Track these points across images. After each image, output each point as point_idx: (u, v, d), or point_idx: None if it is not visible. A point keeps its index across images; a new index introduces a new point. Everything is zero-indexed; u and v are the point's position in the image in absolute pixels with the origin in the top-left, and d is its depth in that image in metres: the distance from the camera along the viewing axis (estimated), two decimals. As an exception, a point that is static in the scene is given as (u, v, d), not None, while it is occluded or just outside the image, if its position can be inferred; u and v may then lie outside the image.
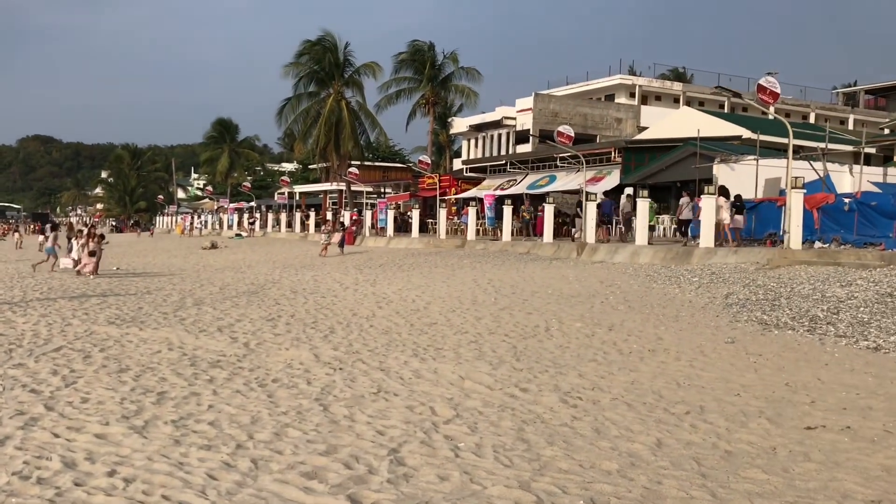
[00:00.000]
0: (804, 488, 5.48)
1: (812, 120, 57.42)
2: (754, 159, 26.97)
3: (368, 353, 10.57)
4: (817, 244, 21.02)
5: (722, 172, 27.89)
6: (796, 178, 19.56)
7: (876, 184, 26.78)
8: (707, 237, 22.19)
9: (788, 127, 20.34)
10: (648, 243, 24.71)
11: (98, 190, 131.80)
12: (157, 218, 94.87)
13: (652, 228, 28.58)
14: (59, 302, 16.01)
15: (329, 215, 47.14)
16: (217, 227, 70.47)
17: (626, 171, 33.50)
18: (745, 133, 37.47)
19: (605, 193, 32.49)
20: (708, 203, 22.42)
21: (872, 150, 34.52)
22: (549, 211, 30.57)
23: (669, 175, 31.28)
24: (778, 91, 18.94)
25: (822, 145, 28.44)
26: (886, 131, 42.82)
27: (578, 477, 5.66)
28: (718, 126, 39.60)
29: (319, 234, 44.52)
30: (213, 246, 43.55)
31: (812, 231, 21.42)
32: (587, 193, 28.31)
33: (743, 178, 27.20)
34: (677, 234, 27.69)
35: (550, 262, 24.86)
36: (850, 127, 57.71)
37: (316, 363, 9.81)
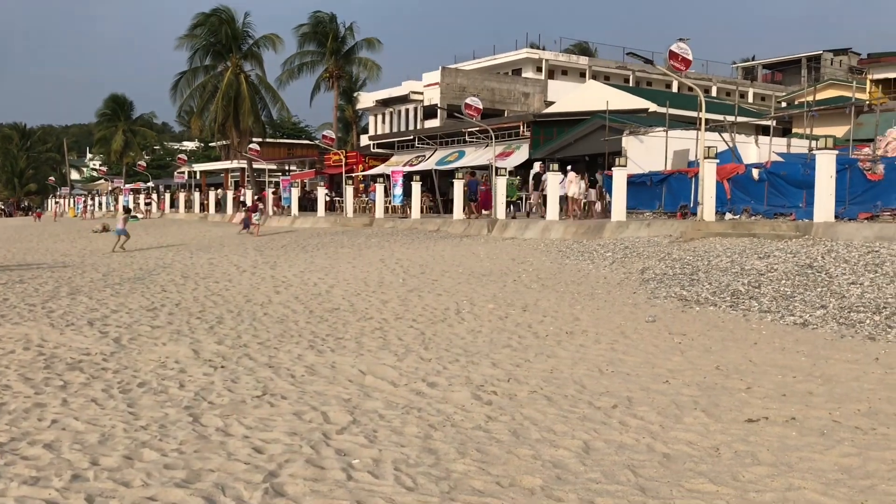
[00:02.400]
0: (760, 502, 4.66)
1: (714, 93, 58.23)
2: (663, 131, 26.65)
3: (258, 347, 9.39)
4: (728, 215, 20.74)
5: (631, 145, 27.49)
6: (709, 147, 19.13)
7: (780, 154, 26.84)
8: (553, 210, 24.04)
9: (701, 96, 19.95)
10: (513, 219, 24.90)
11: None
12: (49, 201, 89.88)
13: (513, 204, 29.37)
14: None
15: (248, 194, 44.82)
16: (112, 209, 67.01)
17: (535, 146, 32.88)
18: (652, 106, 37.44)
19: (516, 168, 31.81)
20: (553, 177, 24.66)
21: (773, 123, 35.01)
22: (458, 186, 29.66)
23: (578, 148, 30.79)
24: (690, 58, 18.40)
25: (728, 118, 28.36)
26: (784, 104, 43.55)
27: (496, 500, 4.69)
28: (625, 99, 39.47)
29: (237, 214, 42.61)
30: (105, 229, 40.88)
31: (723, 202, 21.12)
32: (497, 168, 27.51)
33: (652, 150, 26.86)
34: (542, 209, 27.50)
35: (461, 239, 23.96)
36: (750, 100, 58.84)
37: (194, 361, 8.58)
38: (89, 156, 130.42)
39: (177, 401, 6.93)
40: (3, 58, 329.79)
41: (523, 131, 33.83)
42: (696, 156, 25.62)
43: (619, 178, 22.00)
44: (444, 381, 7.64)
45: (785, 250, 14.44)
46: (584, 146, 30.31)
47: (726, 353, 8.59)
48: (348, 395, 7.19)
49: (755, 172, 21.44)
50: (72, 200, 74.34)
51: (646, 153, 26.95)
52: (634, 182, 23.79)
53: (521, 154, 33.17)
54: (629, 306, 11.73)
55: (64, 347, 9.30)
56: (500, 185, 26.80)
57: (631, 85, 55.04)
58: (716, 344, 9.08)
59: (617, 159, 22.65)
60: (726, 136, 26.02)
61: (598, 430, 6.06)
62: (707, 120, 20.36)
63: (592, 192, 26.62)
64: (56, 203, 78.68)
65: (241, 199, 45.57)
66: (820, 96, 36.02)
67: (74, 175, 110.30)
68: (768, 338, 9.30)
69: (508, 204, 28.69)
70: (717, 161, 19.70)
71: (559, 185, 25.71)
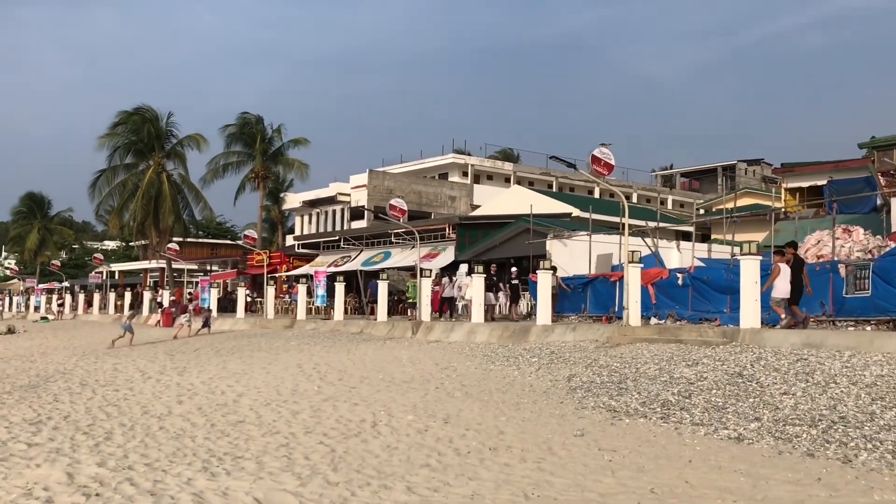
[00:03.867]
0: None
1: (635, 199, 59.66)
2: (587, 235, 26.72)
3: (144, 469, 8.35)
4: (653, 320, 20.53)
5: (555, 248, 27.49)
6: (632, 252, 19.01)
7: (702, 259, 27.09)
8: (477, 314, 23.81)
9: (624, 201, 19.94)
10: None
11: None
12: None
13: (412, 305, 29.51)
14: None
15: (165, 295, 43.10)
16: (22, 309, 63.93)
17: (460, 248, 32.69)
18: (575, 211, 37.88)
19: (441, 269, 31.40)
20: (425, 283, 25.90)
21: (692, 229, 35.74)
22: (382, 288, 29.01)
23: (503, 251, 30.68)
24: (612, 163, 18.44)
25: (650, 223, 28.69)
26: (702, 211, 44.70)
27: None
28: (549, 204, 39.95)
29: (152, 316, 40.74)
30: (10, 331, 38.80)
31: (648, 307, 20.94)
32: (422, 269, 27.02)
33: (576, 253, 26.88)
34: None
35: (384, 342, 23.12)
36: (669, 207, 60.43)
37: (66, 487, 7.50)
38: (4, 254, 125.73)
39: (31, 541, 5.89)
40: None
41: (449, 233, 33.64)
42: (619, 260, 25.68)
43: (544, 281, 21.70)
44: (352, 510, 6.77)
45: (713, 357, 14.09)
46: (509, 249, 30.22)
47: (660, 473, 7.95)
48: (239, 529, 6.26)
49: (679, 277, 21.42)
50: (-21, 301, 70.81)
51: (570, 257, 26.94)
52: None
53: (447, 256, 32.86)
54: (556, 418, 11.06)
55: (-85, 472, 8.11)
56: (426, 286, 26.27)
57: (554, 190, 56.05)
58: (649, 462, 8.44)
59: (541, 262, 22.41)
60: (649, 240, 26.19)
61: (522, 572, 5.29)
62: (630, 224, 20.38)
63: (490, 295, 26.56)
64: None
65: (158, 300, 43.92)
66: (736, 204, 37.02)
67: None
68: (703, 454, 8.71)
69: (409, 305, 29.28)
70: (642, 265, 19.58)
71: (452, 286, 27.25)
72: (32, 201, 77.72)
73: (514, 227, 30.21)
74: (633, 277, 18.69)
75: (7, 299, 68.95)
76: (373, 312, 30.67)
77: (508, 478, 7.92)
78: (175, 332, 30.44)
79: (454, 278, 28.80)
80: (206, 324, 31.54)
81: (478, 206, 50.12)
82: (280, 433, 10.48)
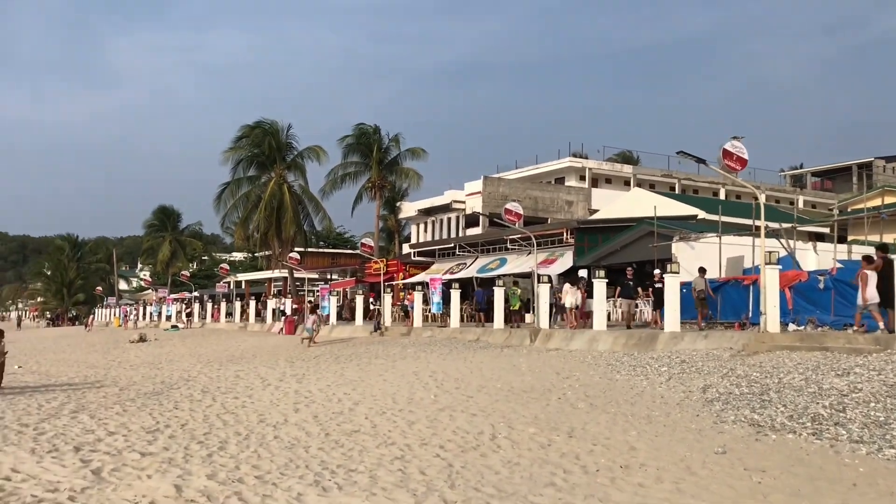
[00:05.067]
0: None
1: (763, 201, 56.71)
2: (716, 236, 25.25)
3: (254, 482, 7.99)
4: (792, 326, 19.01)
5: (681, 251, 26.10)
6: (770, 252, 17.64)
7: (841, 261, 25.15)
8: (599, 321, 22.86)
9: (761, 197, 18.57)
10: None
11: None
12: (97, 310, 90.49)
13: (516, 314, 29.62)
14: None
15: (287, 304, 44.00)
16: (155, 318, 66.87)
17: (579, 253, 31.68)
18: (701, 213, 36.12)
19: (559, 276, 30.50)
20: (543, 289, 25.02)
21: (826, 231, 33.46)
22: (498, 294, 28.39)
23: (624, 256, 29.44)
24: (745, 156, 17.13)
25: (783, 224, 26.89)
26: (836, 212, 41.99)
27: None
28: (672, 206, 38.20)
29: (275, 324, 41.62)
30: (142, 339, 40.36)
31: (785, 312, 19.43)
32: (539, 276, 26.22)
33: (703, 256, 25.38)
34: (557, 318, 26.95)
35: (502, 350, 22.47)
36: (801, 207, 57.19)
37: (173, 502, 7.20)
38: (139, 266, 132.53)
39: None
40: (65, 174, 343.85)
41: (567, 238, 32.69)
42: (752, 262, 24.11)
43: (672, 285, 20.51)
44: (471, 534, 6.14)
45: (867, 367, 12.72)
46: (631, 253, 28.98)
47: (821, 499, 6.95)
48: (348, 552, 5.73)
49: (820, 280, 19.81)
50: (117, 310, 74.55)
51: (696, 260, 25.46)
52: (685, 291, 22.24)
53: (565, 261, 31.91)
54: (693, 433, 10.10)
55: (31, 482, 8.02)
56: (543, 294, 25.45)
57: (677, 192, 53.96)
58: (805, 485, 7.44)
59: (668, 265, 21.21)
60: (784, 241, 24.51)
61: None
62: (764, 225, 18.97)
63: (590, 301, 25.51)
64: (91, 314, 79.05)
65: (281, 308, 44.78)
66: (873, 203, 34.45)
67: (123, 285, 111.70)
68: (868, 477, 7.63)
69: (512, 313, 29.11)
70: (780, 267, 18.16)
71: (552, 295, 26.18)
72: (164, 215, 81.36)
73: (637, 231, 28.96)
74: (772, 280, 17.32)
75: (141, 309, 72.33)
76: (475, 319, 31.03)
77: (644, 501, 7.11)
78: (305, 338, 30.32)
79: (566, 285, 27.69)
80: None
81: (596, 211, 48.76)
82: (395, 444, 9.98)
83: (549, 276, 27.22)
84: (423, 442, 10.08)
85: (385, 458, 9.14)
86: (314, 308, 34.79)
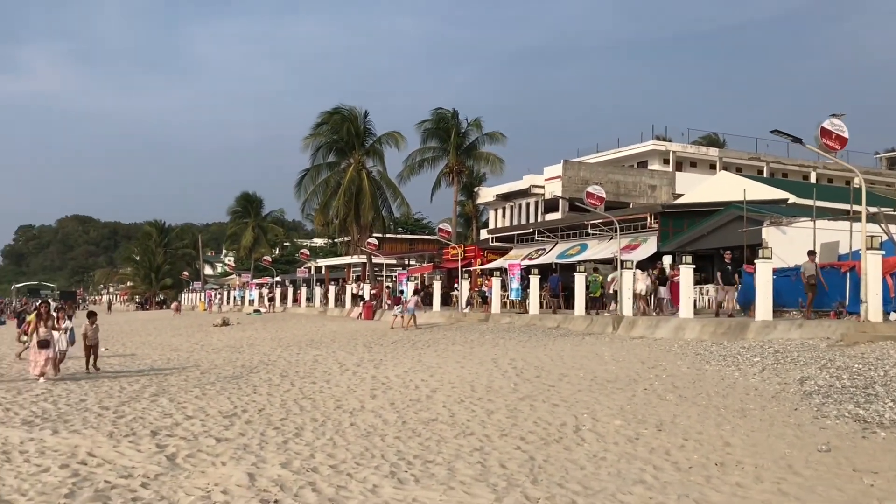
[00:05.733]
0: None
1: (857, 183, 54.17)
2: (809, 221, 24.02)
3: (329, 472, 7.72)
4: (893, 315, 17.88)
5: (772, 236, 24.91)
6: (871, 237, 16.56)
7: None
8: (686, 309, 21.99)
9: (861, 179, 17.46)
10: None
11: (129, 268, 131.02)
12: (183, 294, 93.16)
13: (596, 301, 29.09)
14: None
15: (366, 288, 44.36)
16: (238, 303, 68.30)
17: (663, 238, 30.67)
18: (791, 197, 34.59)
19: (642, 261, 29.59)
20: (626, 275, 24.23)
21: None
22: (579, 281, 27.72)
23: (711, 241, 28.36)
24: (846, 135, 16.09)
25: (882, 209, 25.38)
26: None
27: None
28: (761, 190, 36.70)
29: (354, 309, 41.92)
30: (225, 323, 41.09)
31: (887, 300, 18.27)
32: (622, 262, 25.45)
33: (796, 242, 24.13)
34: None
35: (583, 337, 21.88)
36: (898, 191, 54.38)
37: (245, 492, 6.97)
38: (224, 251, 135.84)
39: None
40: (151, 162, 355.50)
41: (650, 223, 31.70)
42: (849, 248, 22.84)
43: (764, 271, 19.55)
44: (555, 535, 5.72)
45: (985, 360, 11.75)
46: (718, 238, 27.86)
47: (946, 506, 6.28)
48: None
49: (925, 266, 18.53)
50: (202, 295, 76.43)
51: (789, 246, 24.24)
52: (777, 277, 21.17)
53: (649, 247, 30.95)
54: (792, 428, 9.42)
55: (106, 466, 7.93)
56: (626, 280, 24.69)
57: (765, 175, 51.96)
58: (925, 490, 6.76)
59: (760, 251, 20.21)
60: (884, 226, 23.12)
61: None
62: (857, 212, 17.85)
63: (662, 289, 25.16)
64: (178, 299, 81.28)
65: (360, 293, 45.01)
66: None
67: (208, 270, 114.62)
68: None
69: (592, 300, 28.60)
70: (883, 252, 17.06)
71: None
72: (247, 201, 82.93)
73: (724, 215, 27.82)
74: (873, 266, 16.29)
75: (225, 293, 73.98)
76: (550, 306, 30.89)
77: (744, 502, 6.55)
78: (400, 324, 30.19)
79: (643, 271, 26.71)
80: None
81: (680, 195, 47.31)
82: (474, 435, 9.62)
83: (632, 262, 26.41)
84: (503, 433, 9.69)
85: (463, 450, 8.78)
86: (416, 290, 34.68)
